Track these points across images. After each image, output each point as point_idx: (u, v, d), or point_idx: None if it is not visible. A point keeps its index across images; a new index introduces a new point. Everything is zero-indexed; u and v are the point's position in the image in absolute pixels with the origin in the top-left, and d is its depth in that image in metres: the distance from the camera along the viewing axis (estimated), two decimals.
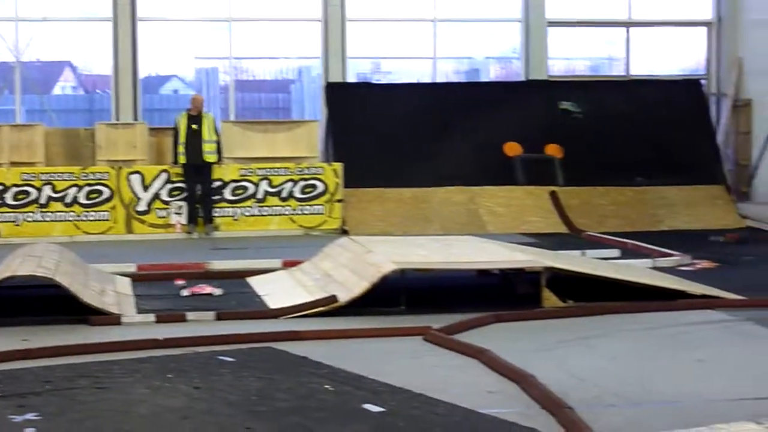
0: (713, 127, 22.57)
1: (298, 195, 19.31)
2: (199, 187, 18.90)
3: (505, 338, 9.91)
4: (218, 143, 19.11)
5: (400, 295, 11.50)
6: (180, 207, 18.89)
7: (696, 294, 11.98)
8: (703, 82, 23.49)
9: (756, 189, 22.75)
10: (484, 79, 24.42)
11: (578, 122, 21.39)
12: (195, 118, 18.99)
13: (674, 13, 24.21)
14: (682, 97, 22.27)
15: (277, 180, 19.29)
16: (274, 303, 11.81)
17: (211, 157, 18.91)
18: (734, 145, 23.29)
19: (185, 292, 12.69)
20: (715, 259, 15.54)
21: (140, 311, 11.41)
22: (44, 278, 10.96)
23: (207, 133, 18.90)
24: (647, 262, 15.00)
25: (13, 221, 18.49)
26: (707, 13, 24.10)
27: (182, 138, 18.90)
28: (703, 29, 24.21)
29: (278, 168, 19.40)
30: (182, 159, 18.85)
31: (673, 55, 24.84)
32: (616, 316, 10.99)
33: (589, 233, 18.73)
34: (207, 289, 12.77)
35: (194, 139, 18.84)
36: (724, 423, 6.51)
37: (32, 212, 18.63)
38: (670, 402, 7.67)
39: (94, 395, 7.75)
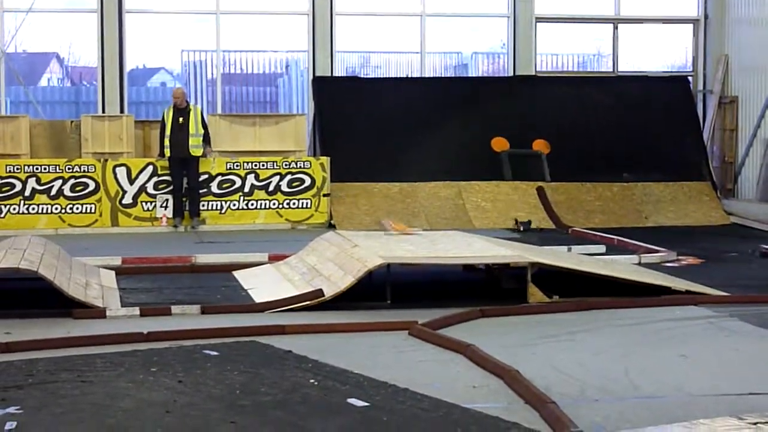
0: (699, 124, 22.62)
1: (285, 189, 19.30)
2: (185, 181, 18.87)
3: (490, 333, 9.91)
4: (206, 135, 19.08)
5: (385, 289, 11.50)
6: (166, 200, 18.86)
7: (680, 290, 12.00)
8: (689, 79, 23.54)
9: (741, 186, 22.81)
10: (472, 74, 24.40)
11: (566, 118, 21.39)
12: (182, 111, 18.96)
13: (661, 10, 24.25)
14: (668, 94, 22.31)
15: (264, 174, 19.27)
16: (259, 297, 11.80)
17: (197, 151, 18.88)
18: (720, 142, 23.35)
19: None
20: (700, 256, 15.58)
21: (125, 305, 11.39)
22: (28, 271, 10.91)
23: (194, 127, 18.87)
24: (633, 258, 15.02)
25: None
26: (694, 11, 24.14)
27: (168, 131, 18.87)
28: (690, 26, 24.25)
29: (265, 162, 19.38)
30: (168, 152, 18.82)
31: (660, 52, 24.88)
32: (601, 312, 11.00)
33: (575, 229, 18.76)
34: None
35: (181, 132, 18.81)
36: (706, 418, 6.52)
37: (17, 205, 18.58)
38: (653, 397, 7.67)
39: (77, 389, 7.73)
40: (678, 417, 6.80)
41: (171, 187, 18.88)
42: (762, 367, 8.68)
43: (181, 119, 18.87)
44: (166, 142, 18.85)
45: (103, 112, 21.72)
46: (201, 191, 18.98)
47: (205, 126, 19.15)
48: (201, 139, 18.95)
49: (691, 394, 7.77)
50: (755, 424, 6.26)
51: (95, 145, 20.08)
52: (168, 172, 18.89)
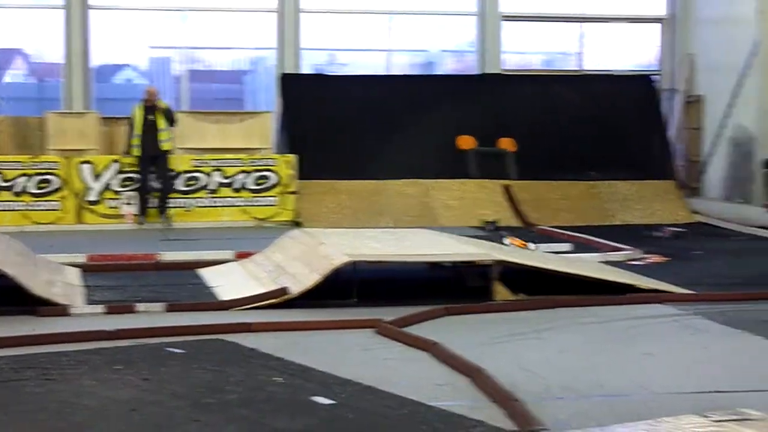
0: (665, 123, 22.72)
1: (251, 186, 19.27)
2: (152, 178, 18.81)
3: (455, 331, 9.92)
4: (172, 120, 19.04)
5: (352, 287, 11.48)
6: (130, 197, 18.78)
7: (646, 288, 12.05)
8: (655, 77, 23.65)
9: (706, 184, 22.93)
10: (439, 72, 24.44)
11: (532, 116, 21.43)
12: (150, 109, 18.89)
13: (628, 9, 24.36)
14: (634, 93, 22.40)
15: (230, 171, 19.23)
16: (225, 295, 11.76)
17: (167, 145, 18.84)
18: (685, 140, 23.46)
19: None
20: (666, 254, 15.64)
21: (90, 302, 11.32)
22: None
23: (162, 122, 18.82)
24: (598, 256, 15.07)
25: None
26: (660, 10, 24.26)
27: (138, 130, 18.80)
28: (656, 25, 24.36)
29: (231, 159, 19.35)
30: (136, 151, 18.75)
31: (626, 50, 24.98)
32: (566, 310, 11.03)
33: (541, 227, 18.80)
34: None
35: (151, 130, 18.75)
36: (671, 416, 6.54)
37: None
38: (618, 395, 7.70)
39: (42, 387, 7.69)
40: (642, 415, 6.82)
41: (137, 185, 18.81)
42: (727, 365, 8.73)
43: (150, 117, 18.81)
44: (136, 141, 18.78)
45: (68, 108, 21.60)
46: (173, 188, 18.91)
47: (170, 114, 19.06)
48: (169, 132, 18.91)
49: (655, 392, 7.80)
50: (719, 421, 6.27)
51: (60, 141, 19.98)
52: (135, 169, 18.81)
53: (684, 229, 16.17)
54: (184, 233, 17.98)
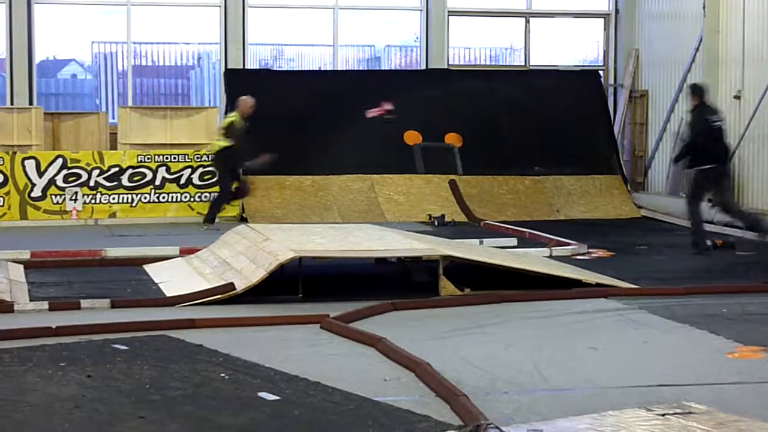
0: (610, 118, 22.84)
1: (196, 182, 19.20)
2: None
3: (401, 326, 9.94)
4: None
5: (297, 283, 11.48)
6: (75, 193, 18.64)
7: (591, 283, 12.12)
8: (600, 73, 23.76)
9: (651, 179, 23.08)
10: (385, 67, 24.44)
11: (478, 112, 21.48)
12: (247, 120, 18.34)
13: (573, 5, 24.45)
14: (579, 88, 22.49)
15: (175, 167, 19.15)
16: (170, 291, 11.72)
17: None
18: (630, 135, 23.59)
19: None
20: (611, 248, 15.74)
21: (33, 299, 11.24)
22: None
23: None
24: (544, 250, 15.13)
25: None
26: (604, 5, 24.38)
27: (241, 142, 18.04)
28: (601, 21, 24.47)
29: (177, 154, 19.27)
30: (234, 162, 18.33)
31: (571, 46, 25.08)
32: (512, 305, 11.08)
33: (487, 222, 18.85)
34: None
35: (246, 141, 18.17)
36: (615, 410, 6.58)
37: None
38: (563, 389, 7.74)
39: None
40: (587, 409, 6.86)
41: (223, 194, 18.45)
42: (670, 358, 8.80)
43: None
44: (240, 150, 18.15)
45: (12, 104, 21.40)
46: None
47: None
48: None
49: (600, 386, 7.85)
50: (663, 415, 6.32)
51: (3, 137, 19.81)
52: (221, 179, 18.45)
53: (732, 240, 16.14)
54: (129, 229, 17.87)
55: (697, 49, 21.12)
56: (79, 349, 8.75)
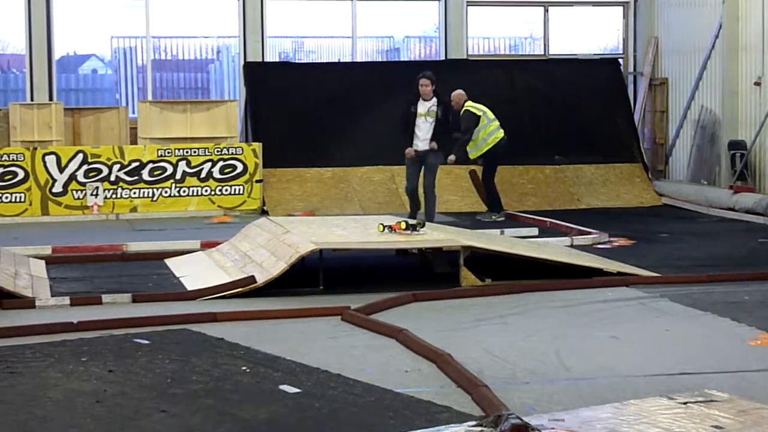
0: (630, 106, 22.78)
1: (217, 175, 19.21)
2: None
3: (422, 317, 9.93)
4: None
5: (318, 275, 11.47)
6: (96, 188, 18.68)
7: (612, 271, 12.09)
8: (620, 61, 23.69)
9: (672, 167, 23.01)
10: (404, 58, 24.41)
11: (498, 101, 21.42)
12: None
13: None
14: (600, 77, 22.44)
15: (195, 160, 19.16)
16: (191, 284, 11.73)
17: None
18: (651, 123, 23.53)
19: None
20: (632, 237, 15.69)
21: (55, 294, 11.26)
22: None
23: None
24: (565, 240, 15.10)
25: None
26: None
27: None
28: (620, 9, 24.39)
29: (197, 148, 19.28)
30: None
31: (591, 34, 25.01)
32: (533, 294, 11.05)
33: (507, 212, 18.82)
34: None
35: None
36: (637, 399, 6.56)
37: None
38: (584, 378, 7.72)
39: (6, 380, 7.65)
40: (609, 398, 6.85)
41: (490, 183, 18.09)
42: (692, 346, 8.77)
43: None
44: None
45: (32, 99, 21.46)
46: None
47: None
48: None
49: (621, 375, 7.82)
50: (685, 403, 6.30)
51: (24, 133, 19.85)
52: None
53: None
54: (150, 223, 17.91)
55: (716, 36, 21.03)
56: (100, 344, 8.77)
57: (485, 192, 18.32)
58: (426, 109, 16.75)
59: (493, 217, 17.78)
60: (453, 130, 17.39)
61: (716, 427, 5.85)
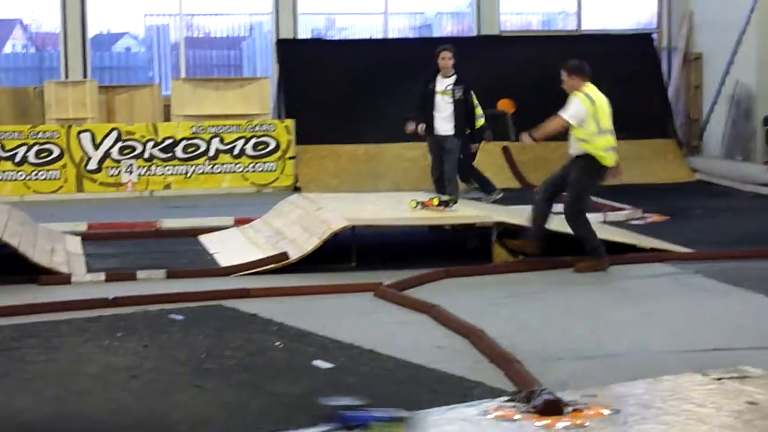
0: (664, 82, 22.65)
1: (250, 152, 19.23)
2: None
3: (455, 293, 9.94)
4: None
5: (351, 251, 11.50)
6: (130, 165, 18.75)
7: (646, 248, 12.06)
8: (654, 36, 23.54)
9: (706, 143, 22.87)
10: (436, 34, 24.32)
11: (531, 77, 21.37)
12: None
13: None
14: (633, 52, 22.31)
15: (228, 137, 19.20)
16: (225, 261, 11.78)
17: None
18: (685, 99, 23.36)
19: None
20: (666, 213, 15.62)
21: (90, 270, 11.33)
22: None
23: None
24: (598, 216, 15.04)
25: None
26: None
27: None
28: None
29: (230, 125, 19.30)
30: None
31: (624, 9, 24.87)
32: (565, 271, 11.04)
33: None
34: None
35: None
36: (671, 375, 6.57)
37: None
38: (618, 355, 7.72)
39: (43, 355, 7.73)
40: (642, 374, 6.84)
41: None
42: (726, 323, 8.75)
43: None
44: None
45: (66, 77, 21.54)
46: None
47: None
48: None
49: (655, 351, 7.82)
50: (719, 379, 6.31)
51: (59, 111, 19.92)
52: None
53: None
54: (183, 200, 17.97)
55: (752, 10, 20.86)
56: (135, 320, 8.83)
57: (473, 178, 17.79)
58: (444, 86, 15.64)
59: (493, 196, 17.39)
60: None
61: (750, 402, 5.85)
